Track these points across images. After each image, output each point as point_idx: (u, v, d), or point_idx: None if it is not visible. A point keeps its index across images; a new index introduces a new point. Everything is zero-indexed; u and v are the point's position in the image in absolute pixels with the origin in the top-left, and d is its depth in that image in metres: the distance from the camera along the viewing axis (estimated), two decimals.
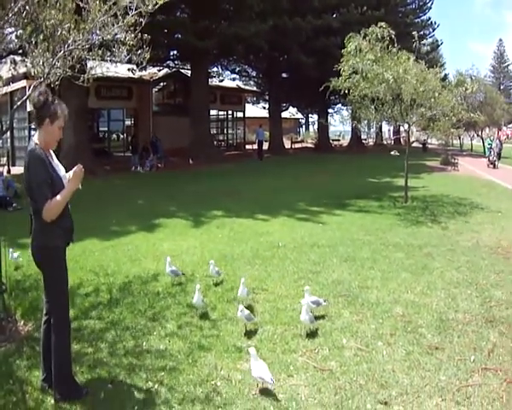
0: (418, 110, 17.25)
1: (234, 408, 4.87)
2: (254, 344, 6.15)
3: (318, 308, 7.09)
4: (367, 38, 16.65)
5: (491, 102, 50.06)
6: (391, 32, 16.59)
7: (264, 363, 5.25)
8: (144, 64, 8.56)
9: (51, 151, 5.03)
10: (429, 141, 50.77)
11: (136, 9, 7.42)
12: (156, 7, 7.64)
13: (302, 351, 6.08)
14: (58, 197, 4.76)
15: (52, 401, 5.00)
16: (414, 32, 17.22)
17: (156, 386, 5.31)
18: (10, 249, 9.27)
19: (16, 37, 7.80)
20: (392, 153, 36.74)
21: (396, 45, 16.79)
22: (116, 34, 7.54)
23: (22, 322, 7.17)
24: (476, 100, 45.77)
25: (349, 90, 17.22)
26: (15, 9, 6.46)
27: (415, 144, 34.93)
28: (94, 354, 6.13)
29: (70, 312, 5.31)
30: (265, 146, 49.30)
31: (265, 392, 5.13)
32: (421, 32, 53.93)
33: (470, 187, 22.98)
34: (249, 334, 6.57)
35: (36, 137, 4.91)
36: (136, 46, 7.80)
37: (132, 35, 7.60)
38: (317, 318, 6.85)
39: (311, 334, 6.50)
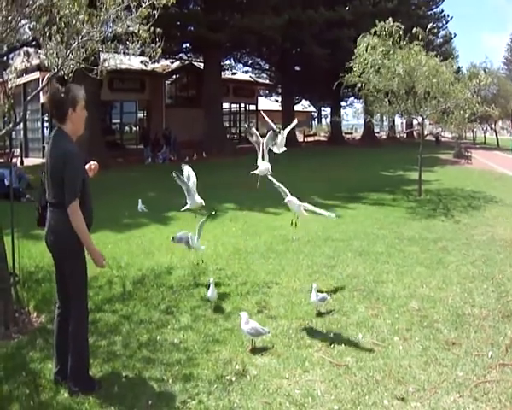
0: (432, 102, 17.14)
1: (249, 403, 4.82)
2: (269, 339, 6.13)
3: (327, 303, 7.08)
4: (377, 34, 16.60)
5: (504, 94, 49.89)
6: (400, 26, 16.52)
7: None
8: (157, 57, 8.54)
9: None
10: (442, 134, 50.56)
11: (149, 0, 7.39)
12: (170, 2, 7.64)
13: (318, 346, 6.02)
14: (83, 226, 4.80)
15: (66, 394, 4.97)
16: (419, 28, 17.05)
17: (171, 380, 5.27)
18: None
19: (30, 29, 7.79)
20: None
21: (407, 38, 16.71)
22: (129, 27, 7.50)
23: (35, 314, 7.18)
24: (490, 92, 45.57)
25: (363, 85, 17.19)
26: (33, 4, 6.44)
27: (428, 137, 34.73)
28: (108, 346, 6.12)
29: None
30: None
31: (281, 388, 5.10)
32: (434, 25, 53.82)
33: (484, 180, 22.87)
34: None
35: (66, 129, 4.89)
36: (149, 39, 7.78)
37: (145, 28, 7.57)
38: (329, 312, 6.84)
39: (327, 329, 6.44)
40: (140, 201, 15.11)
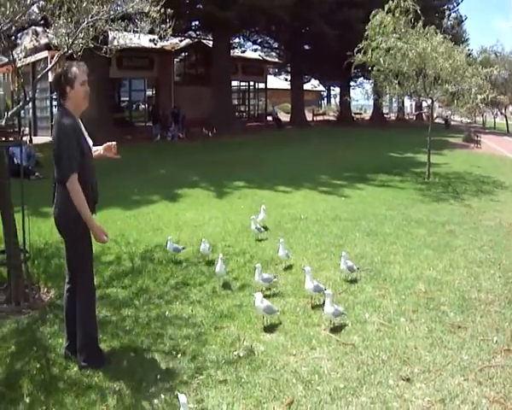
0: (443, 86, 17.04)
1: (256, 379, 4.88)
2: (277, 317, 6.18)
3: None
4: (390, 12, 16.48)
5: None
6: (415, 4, 16.40)
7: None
8: (167, 37, 8.53)
9: (79, 120, 5.04)
10: (452, 117, 50.31)
11: None
12: None
13: (325, 324, 6.08)
14: (82, 200, 4.79)
15: (76, 368, 5.05)
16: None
17: (179, 355, 5.34)
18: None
19: (38, 8, 7.79)
20: None
21: (421, 19, 16.61)
22: (139, 7, 7.48)
23: (45, 289, 7.26)
24: (500, 77, 45.20)
25: (373, 66, 17.15)
26: None
27: (437, 120, 34.49)
28: (117, 322, 6.20)
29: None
30: (287, 118, 49.67)
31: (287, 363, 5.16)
32: (445, 7, 53.26)
33: (493, 165, 22.80)
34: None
35: (67, 106, 4.94)
36: (159, 19, 7.77)
37: (156, 8, 7.56)
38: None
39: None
40: None
